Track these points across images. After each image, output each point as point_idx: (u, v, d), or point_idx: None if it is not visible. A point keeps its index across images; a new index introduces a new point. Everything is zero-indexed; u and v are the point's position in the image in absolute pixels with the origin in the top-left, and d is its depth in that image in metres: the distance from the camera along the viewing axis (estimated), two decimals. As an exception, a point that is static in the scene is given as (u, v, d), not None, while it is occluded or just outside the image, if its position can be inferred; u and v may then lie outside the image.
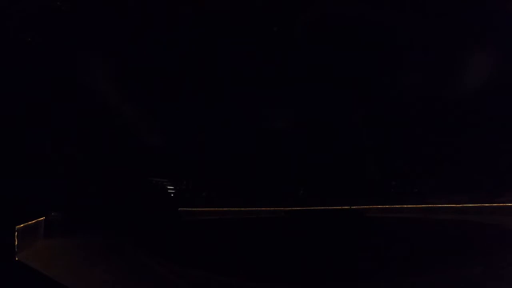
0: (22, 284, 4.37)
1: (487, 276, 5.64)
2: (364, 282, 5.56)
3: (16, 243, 7.00)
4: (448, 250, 8.69)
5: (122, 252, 9.32)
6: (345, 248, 9.82)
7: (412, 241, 10.60)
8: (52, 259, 7.62)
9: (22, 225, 8.12)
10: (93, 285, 5.52)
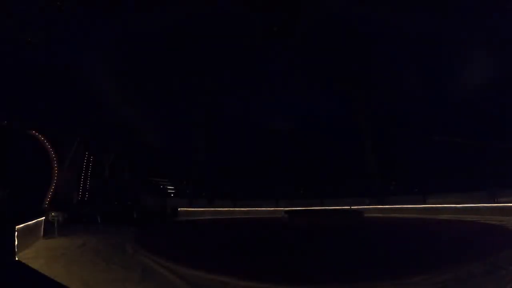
0: (22, 284, 4.36)
1: (488, 276, 5.60)
2: (364, 282, 5.55)
3: (16, 243, 6.96)
4: (448, 250, 8.60)
5: (122, 251, 9.24)
6: (345, 248, 9.72)
7: (412, 241, 10.52)
8: (52, 259, 7.56)
9: (22, 225, 8.07)
10: (93, 284, 5.51)
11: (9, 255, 6.51)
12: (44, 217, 11.62)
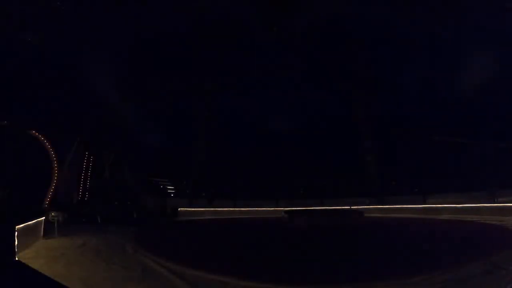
0: (22, 284, 4.36)
1: (488, 276, 5.59)
2: (364, 282, 5.54)
3: (16, 243, 6.96)
4: (448, 250, 8.59)
5: (122, 251, 9.24)
6: (345, 248, 9.70)
7: (412, 241, 10.51)
8: (52, 259, 7.56)
9: (22, 225, 8.06)
10: (93, 284, 5.51)
11: (9, 255, 6.51)
12: (44, 217, 11.61)
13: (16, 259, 6.70)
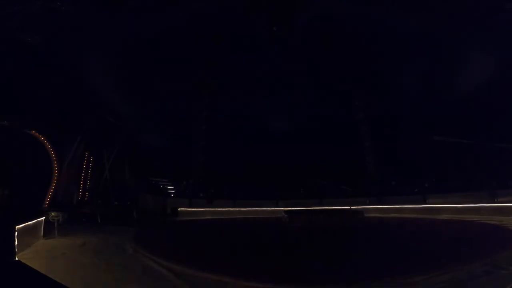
0: (22, 284, 4.36)
1: (488, 276, 5.59)
2: (364, 282, 5.55)
3: (16, 243, 6.96)
4: (448, 250, 8.60)
5: (122, 251, 9.24)
6: (345, 248, 9.71)
7: (412, 241, 10.50)
8: (52, 259, 7.56)
9: (22, 225, 8.07)
10: (93, 284, 5.51)
11: (9, 255, 6.50)
12: (44, 217, 11.61)
13: (16, 259, 6.70)
